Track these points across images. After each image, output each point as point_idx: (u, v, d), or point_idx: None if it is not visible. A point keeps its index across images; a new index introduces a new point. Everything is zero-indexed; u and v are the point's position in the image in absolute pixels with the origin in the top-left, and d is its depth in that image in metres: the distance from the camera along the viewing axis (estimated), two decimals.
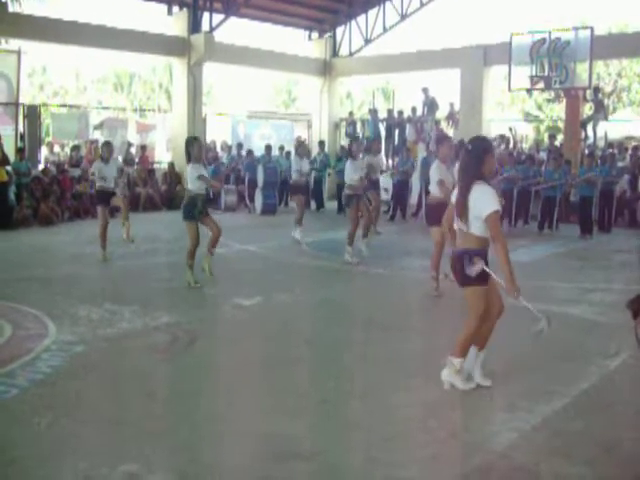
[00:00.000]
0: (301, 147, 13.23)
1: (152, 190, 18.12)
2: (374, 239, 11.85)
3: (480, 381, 5.12)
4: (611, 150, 16.94)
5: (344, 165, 11.34)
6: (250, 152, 18.84)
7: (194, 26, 19.43)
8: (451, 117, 21.38)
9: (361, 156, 11.21)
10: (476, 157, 4.90)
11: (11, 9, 16.66)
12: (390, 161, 20.63)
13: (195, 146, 8.61)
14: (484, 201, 4.77)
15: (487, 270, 4.95)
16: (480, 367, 5.15)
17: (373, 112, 21.85)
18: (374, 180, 12.75)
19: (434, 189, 8.33)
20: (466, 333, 5.03)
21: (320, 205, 18.89)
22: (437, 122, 21.26)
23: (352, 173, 10.43)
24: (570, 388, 5.12)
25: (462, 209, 4.89)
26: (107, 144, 10.98)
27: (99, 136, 20.87)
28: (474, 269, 4.89)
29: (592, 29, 17.17)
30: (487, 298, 4.98)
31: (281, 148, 20.78)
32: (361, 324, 7.00)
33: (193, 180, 8.50)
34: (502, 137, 20.05)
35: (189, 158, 8.60)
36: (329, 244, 11.58)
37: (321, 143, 20.02)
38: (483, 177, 4.87)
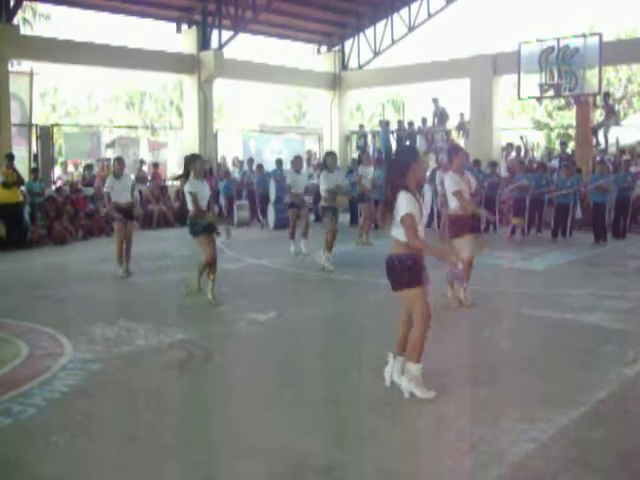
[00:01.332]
0: (295, 161, 13.28)
1: (165, 207, 18.21)
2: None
3: (396, 379, 5.25)
4: (625, 156, 16.87)
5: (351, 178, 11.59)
6: (260, 166, 18.86)
7: (203, 43, 19.60)
8: (462, 127, 21.40)
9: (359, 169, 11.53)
10: (401, 167, 5.08)
11: (22, 31, 16.88)
12: None
13: (197, 163, 8.65)
14: (400, 206, 4.98)
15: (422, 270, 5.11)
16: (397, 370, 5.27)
17: (384, 124, 21.89)
18: (366, 191, 13.37)
19: (452, 202, 8.15)
20: (416, 336, 5.10)
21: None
22: (448, 132, 21.29)
23: (324, 185, 10.95)
24: (588, 397, 5.08)
25: (385, 218, 5.14)
26: (118, 159, 11.11)
27: (111, 155, 21.02)
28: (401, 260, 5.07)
29: (601, 35, 17.17)
30: (426, 299, 5.09)
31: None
32: (374, 337, 6.97)
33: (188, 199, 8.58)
34: (511, 145, 20.04)
35: (187, 175, 8.61)
36: (342, 257, 11.57)
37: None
38: (407, 187, 5.02)
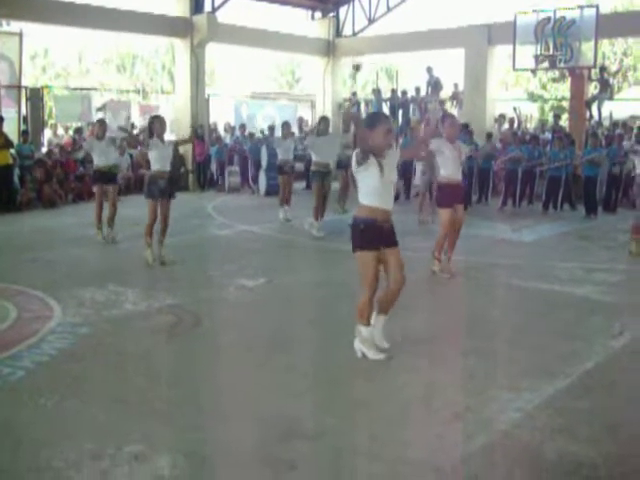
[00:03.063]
0: (284, 128, 13.26)
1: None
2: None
3: (379, 343, 5.36)
4: (619, 130, 16.84)
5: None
6: (252, 135, 18.80)
7: (196, 6, 19.31)
8: (455, 97, 21.29)
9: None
10: (360, 131, 5.29)
11: None
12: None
13: (156, 123, 8.75)
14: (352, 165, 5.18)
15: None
16: (380, 330, 5.38)
17: (377, 92, 21.77)
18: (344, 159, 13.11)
19: (442, 169, 8.23)
20: (361, 301, 5.25)
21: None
22: (441, 102, 21.19)
23: (314, 150, 11.23)
24: (574, 368, 5.13)
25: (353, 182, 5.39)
26: (100, 121, 10.96)
27: (102, 117, 20.83)
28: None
29: (597, 7, 16.99)
30: (375, 264, 5.17)
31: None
32: None
33: (156, 159, 8.70)
34: (503, 117, 19.96)
35: (151, 135, 8.68)
36: (331, 225, 11.54)
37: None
38: (372, 151, 5.11)
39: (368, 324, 5.27)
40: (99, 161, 10.41)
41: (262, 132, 19.54)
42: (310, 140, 11.45)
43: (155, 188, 8.63)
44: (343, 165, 14.19)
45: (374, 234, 5.14)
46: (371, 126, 5.14)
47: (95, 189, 10.68)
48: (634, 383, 4.96)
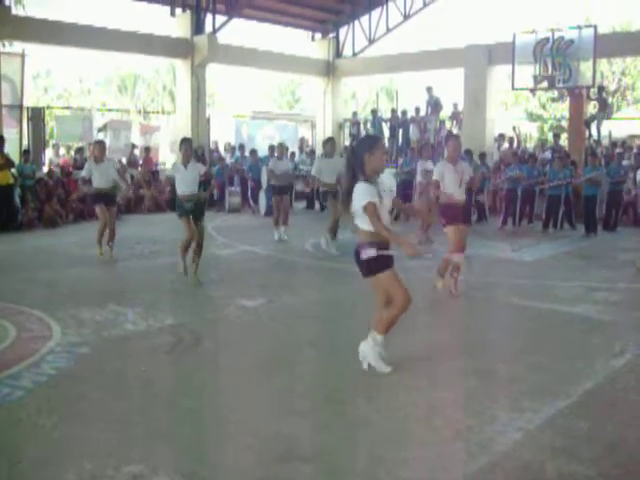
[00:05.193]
0: (277, 148, 13.38)
1: (156, 192, 18.13)
2: None
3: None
4: (618, 149, 16.90)
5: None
6: (254, 152, 18.81)
7: (197, 27, 19.47)
8: (455, 117, 21.39)
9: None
10: (359, 157, 5.16)
11: (14, 12, 16.72)
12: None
13: (181, 147, 8.90)
14: (358, 196, 5.08)
15: (387, 254, 5.23)
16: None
17: (374, 113, 21.90)
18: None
19: (444, 190, 8.16)
20: (391, 315, 5.25)
21: (324, 206, 18.87)
22: (442, 122, 21.28)
23: (318, 169, 11.47)
24: (575, 388, 5.11)
25: (347, 206, 5.24)
26: (99, 143, 10.95)
27: (103, 138, 20.90)
28: (366, 253, 5.16)
29: (595, 27, 17.11)
30: (399, 279, 5.23)
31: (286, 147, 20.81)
32: (364, 323, 6.97)
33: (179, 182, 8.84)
34: (502, 136, 20.05)
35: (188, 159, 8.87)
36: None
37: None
38: (366, 176, 5.11)
39: (385, 334, 5.30)
40: (99, 183, 10.40)
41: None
42: (317, 162, 11.63)
43: (182, 209, 8.77)
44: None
45: (385, 255, 5.17)
46: (370, 150, 5.13)
47: (97, 209, 10.66)
48: (634, 403, 4.94)
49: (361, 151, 5.16)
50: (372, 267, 5.20)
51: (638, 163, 16.11)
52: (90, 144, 19.30)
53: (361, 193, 5.07)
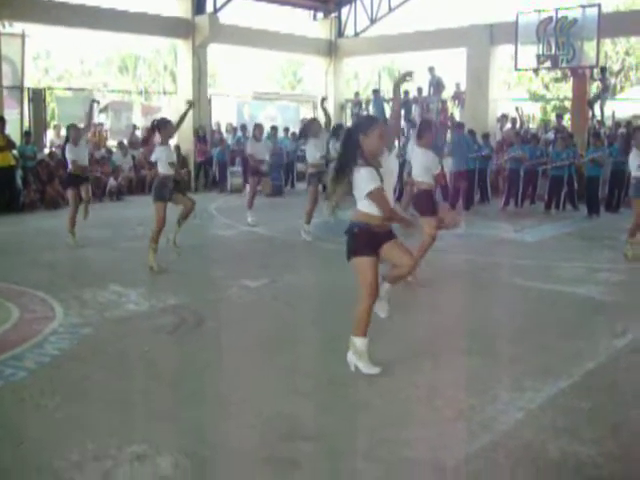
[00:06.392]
0: (255, 129, 13.19)
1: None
2: None
3: (380, 310, 5.31)
4: (622, 130, 16.80)
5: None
6: (258, 125, 18.70)
7: (198, 7, 19.32)
8: (457, 97, 21.28)
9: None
10: (355, 139, 4.85)
11: None
12: (396, 142, 20.54)
13: (169, 127, 8.70)
14: (361, 184, 4.81)
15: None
16: (384, 296, 5.30)
17: (376, 93, 21.78)
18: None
19: (421, 176, 7.87)
20: (361, 310, 4.95)
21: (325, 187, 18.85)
22: (443, 101, 21.18)
23: (311, 152, 11.03)
24: (577, 368, 5.12)
25: (336, 189, 4.95)
26: (74, 127, 10.82)
27: (104, 119, 20.85)
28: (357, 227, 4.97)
29: (599, 6, 16.94)
30: (374, 270, 4.89)
31: (286, 129, 20.78)
32: None
33: (164, 163, 8.61)
34: (505, 117, 19.95)
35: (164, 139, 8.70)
36: (334, 225, 11.52)
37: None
38: (366, 159, 4.82)
39: (364, 335, 4.97)
40: (75, 165, 10.29)
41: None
42: (307, 142, 11.45)
43: (166, 191, 8.61)
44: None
45: (368, 239, 4.90)
46: (365, 132, 4.83)
47: (69, 193, 10.51)
48: (636, 383, 4.95)
49: (356, 133, 4.88)
50: (350, 247, 4.96)
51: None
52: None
53: (364, 180, 4.78)
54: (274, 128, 18.37)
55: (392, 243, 5.01)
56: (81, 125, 10.72)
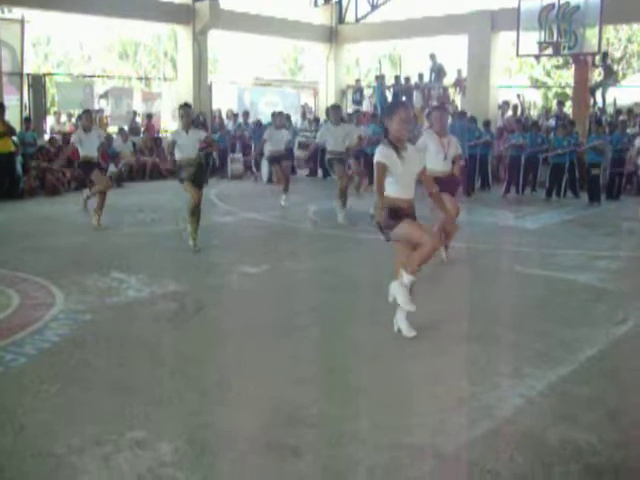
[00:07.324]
0: (276, 118, 13.19)
1: (158, 159, 18.07)
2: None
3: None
4: (622, 117, 16.76)
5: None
6: (259, 121, 18.75)
7: None
8: (458, 83, 21.21)
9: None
10: (382, 123, 5.49)
11: None
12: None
13: (181, 112, 8.84)
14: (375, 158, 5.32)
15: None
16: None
17: (380, 79, 21.70)
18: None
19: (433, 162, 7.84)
20: (422, 252, 5.22)
21: (327, 173, 18.81)
22: (445, 88, 21.12)
23: (326, 138, 11.14)
24: (577, 354, 5.12)
25: None
26: (86, 112, 10.88)
27: (104, 105, 20.79)
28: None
29: None
30: (417, 225, 5.32)
31: (287, 116, 20.70)
32: (367, 291, 6.99)
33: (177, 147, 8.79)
34: (507, 103, 19.90)
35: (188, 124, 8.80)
36: (334, 212, 11.53)
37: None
38: (390, 139, 5.28)
39: (413, 275, 5.32)
40: (87, 152, 10.38)
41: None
42: (322, 129, 11.47)
43: (183, 174, 8.79)
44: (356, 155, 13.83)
45: (395, 212, 5.27)
46: (390, 115, 5.30)
47: (95, 175, 10.61)
48: (636, 370, 4.95)
49: (383, 115, 5.43)
50: (386, 223, 5.30)
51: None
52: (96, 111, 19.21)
53: (376, 153, 5.28)
54: (274, 115, 18.28)
55: (413, 221, 5.37)
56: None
